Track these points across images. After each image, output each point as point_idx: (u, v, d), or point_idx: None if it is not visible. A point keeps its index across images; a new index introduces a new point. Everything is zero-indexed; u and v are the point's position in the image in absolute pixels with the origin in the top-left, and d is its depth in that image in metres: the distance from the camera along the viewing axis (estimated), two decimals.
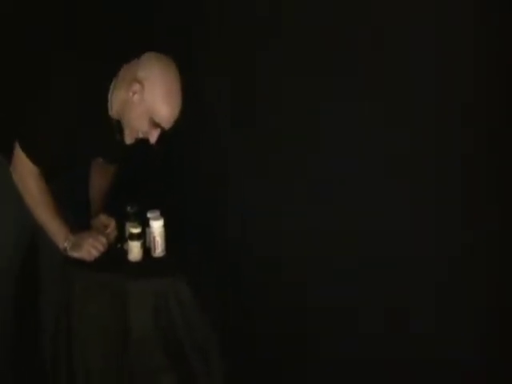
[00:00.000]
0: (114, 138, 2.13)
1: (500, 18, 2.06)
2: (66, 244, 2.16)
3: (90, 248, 2.17)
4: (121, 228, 2.29)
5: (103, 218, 2.30)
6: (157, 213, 2.25)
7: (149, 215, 2.24)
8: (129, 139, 2.11)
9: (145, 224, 2.23)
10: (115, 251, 2.24)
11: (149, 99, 2.01)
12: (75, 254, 2.17)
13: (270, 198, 2.59)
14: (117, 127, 2.11)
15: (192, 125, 2.37)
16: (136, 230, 2.17)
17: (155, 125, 2.05)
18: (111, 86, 2.08)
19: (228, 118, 2.67)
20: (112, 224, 2.29)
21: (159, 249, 2.21)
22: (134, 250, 2.18)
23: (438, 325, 2.30)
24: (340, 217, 2.46)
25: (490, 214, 2.18)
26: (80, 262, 2.18)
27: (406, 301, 2.35)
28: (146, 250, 2.23)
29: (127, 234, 2.21)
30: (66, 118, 2.05)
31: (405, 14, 2.22)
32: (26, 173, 2.12)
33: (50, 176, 2.16)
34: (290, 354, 2.61)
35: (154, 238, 2.21)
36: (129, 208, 2.27)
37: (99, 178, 2.42)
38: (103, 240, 2.21)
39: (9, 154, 2.16)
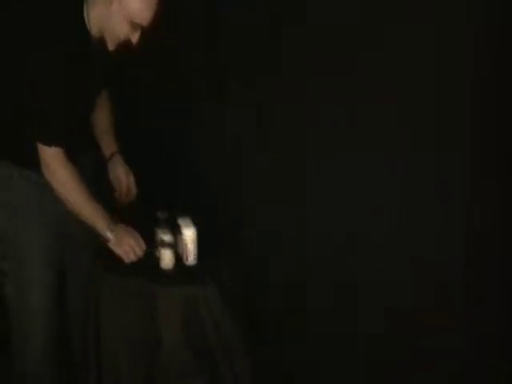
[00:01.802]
0: (100, 54, 2.18)
1: (500, 18, 2.07)
2: (108, 234, 2.17)
3: (130, 250, 2.19)
4: (152, 234, 2.26)
5: (121, 170, 2.35)
6: (188, 220, 2.23)
7: (180, 222, 2.22)
8: (111, 46, 2.17)
9: (176, 231, 2.21)
10: (146, 257, 2.23)
11: (127, 4, 2.09)
12: (114, 250, 2.19)
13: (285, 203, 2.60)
14: (99, 42, 2.16)
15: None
16: (167, 238, 2.15)
17: (136, 26, 2.13)
18: (85, 9, 2.14)
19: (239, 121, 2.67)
20: (129, 179, 2.33)
21: (191, 256, 2.18)
22: (166, 258, 2.16)
23: (438, 324, 2.30)
24: (345, 217, 2.46)
25: (491, 213, 2.18)
26: (110, 267, 2.19)
27: (406, 301, 2.35)
28: (178, 257, 2.21)
29: (158, 241, 2.19)
30: (60, 76, 2.10)
31: (404, 15, 2.22)
32: (55, 164, 2.15)
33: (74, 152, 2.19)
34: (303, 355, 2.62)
35: (185, 245, 2.18)
36: (159, 214, 2.24)
37: (98, 113, 2.43)
38: (143, 246, 2.22)
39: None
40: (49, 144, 2.14)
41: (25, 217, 2.25)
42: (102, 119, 2.44)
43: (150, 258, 2.21)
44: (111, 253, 2.22)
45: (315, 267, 2.55)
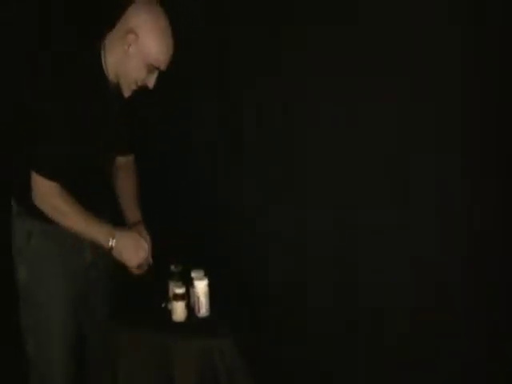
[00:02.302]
0: (115, 100, 2.16)
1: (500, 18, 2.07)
2: (110, 243, 2.14)
3: (133, 255, 2.16)
4: (165, 287, 2.27)
5: (144, 235, 2.26)
6: (201, 272, 2.24)
7: (193, 275, 2.23)
8: (127, 92, 2.15)
9: (188, 283, 2.22)
10: (159, 311, 2.23)
11: (145, 46, 2.06)
12: (119, 258, 2.16)
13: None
14: (115, 87, 2.14)
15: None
16: (180, 291, 2.17)
17: (153, 69, 2.11)
18: (102, 55, 2.12)
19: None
20: (147, 240, 2.26)
21: (203, 309, 2.20)
22: (179, 311, 2.17)
23: (438, 324, 2.30)
24: (345, 217, 2.46)
25: (491, 213, 2.18)
26: (125, 321, 2.19)
27: (406, 301, 2.35)
28: (190, 309, 2.21)
29: (171, 294, 2.20)
30: (68, 111, 2.07)
31: (404, 15, 2.22)
32: (48, 193, 2.10)
33: (74, 189, 2.15)
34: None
35: (198, 298, 2.19)
36: (172, 267, 2.26)
37: (123, 180, 2.38)
38: (145, 246, 2.19)
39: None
40: (40, 172, 2.08)
41: (45, 272, 2.22)
42: (127, 187, 2.37)
43: (164, 313, 2.22)
44: (127, 309, 2.24)
45: (315, 267, 2.55)
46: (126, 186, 2.38)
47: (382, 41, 2.27)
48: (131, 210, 2.33)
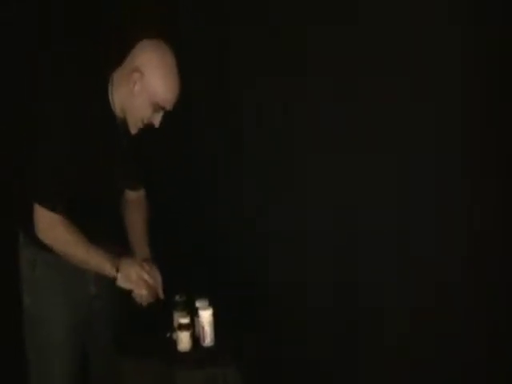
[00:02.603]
0: (122, 136, 2.14)
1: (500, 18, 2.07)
2: (115, 272, 2.11)
3: (138, 281, 2.12)
4: (169, 317, 2.26)
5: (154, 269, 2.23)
6: (205, 302, 2.24)
7: (197, 305, 2.23)
8: (134, 129, 2.13)
9: (193, 313, 2.22)
10: (164, 341, 2.22)
11: (149, 85, 2.05)
12: (125, 286, 2.13)
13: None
14: (122, 123, 2.13)
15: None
16: (185, 321, 2.16)
17: (158, 108, 2.09)
18: (109, 88, 2.11)
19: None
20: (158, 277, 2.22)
21: (208, 338, 2.19)
22: (184, 340, 2.16)
23: (438, 324, 2.30)
24: (345, 217, 2.47)
25: (491, 213, 2.18)
26: (129, 351, 2.18)
27: (406, 301, 2.35)
28: (195, 338, 2.20)
29: (176, 323, 2.20)
30: (72, 143, 2.06)
31: (404, 15, 2.22)
32: (51, 225, 2.08)
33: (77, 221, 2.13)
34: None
35: (203, 327, 2.19)
36: (177, 297, 2.26)
37: (133, 215, 2.36)
38: (151, 272, 2.16)
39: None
40: (40, 202, 2.07)
41: (46, 301, 2.21)
42: (137, 222, 2.35)
43: (169, 343, 2.21)
44: (132, 338, 2.23)
45: (315, 267, 2.56)
46: (135, 221, 2.35)
47: (382, 41, 2.27)
48: (140, 247, 2.31)
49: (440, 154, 2.23)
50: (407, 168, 2.31)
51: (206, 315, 2.19)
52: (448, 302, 2.27)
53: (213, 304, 2.23)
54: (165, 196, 2.80)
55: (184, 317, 2.17)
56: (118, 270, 2.11)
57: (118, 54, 2.13)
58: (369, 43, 2.30)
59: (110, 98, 2.11)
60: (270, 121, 2.60)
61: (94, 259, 2.12)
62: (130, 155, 2.24)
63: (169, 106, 2.09)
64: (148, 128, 2.14)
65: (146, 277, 2.13)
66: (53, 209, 2.07)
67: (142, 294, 2.16)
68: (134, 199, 2.38)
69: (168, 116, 2.13)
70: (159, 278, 2.17)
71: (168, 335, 2.24)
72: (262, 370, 2.30)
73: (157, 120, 2.12)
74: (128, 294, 2.17)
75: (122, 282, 2.12)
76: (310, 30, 2.42)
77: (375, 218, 2.39)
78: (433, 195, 2.27)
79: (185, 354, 2.16)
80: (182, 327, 2.16)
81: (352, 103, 2.38)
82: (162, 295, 2.17)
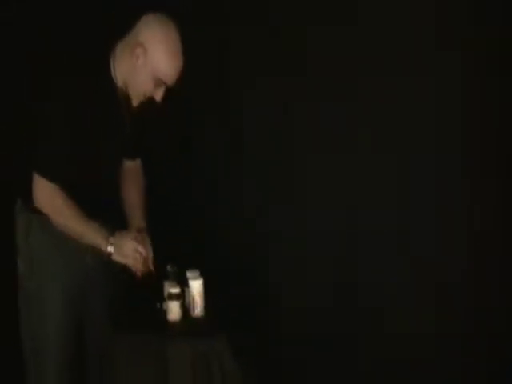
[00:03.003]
0: (124, 108, 2.15)
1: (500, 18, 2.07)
2: (109, 248, 2.13)
3: (133, 255, 2.14)
4: (161, 288, 2.26)
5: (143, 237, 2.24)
6: (196, 272, 2.24)
7: (188, 275, 2.24)
8: (135, 102, 2.15)
9: (183, 284, 2.22)
10: (155, 311, 2.23)
11: (152, 60, 2.05)
12: (119, 259, 2.15)
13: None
14: (124, 96, 2.14)
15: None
16: (175, 290, 2.17)
17: (160, 83, 2.10)
18: (111, 60, 2.12)
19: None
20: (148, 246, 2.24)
21: (198, 309, 2.20)
22: (174, 310, 2.17)
23: (438, 324, 2.30)
24: (345, 217, 2.47)
25: (491, 213, 2.18)
26: (122, 322, 2.18)
27: (406, 301, 2.35)
28: (185, 309, 2.21)
29: (166, 293, 2.20)
30: (71, 113, 2.06)
31: (405, 15, 2.22)
32: (49, 195, 2.11)
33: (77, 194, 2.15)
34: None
35: (193, 297, 2.19)
36: (168, 267, 2.26)
37: (130, 186, 2.37)
38: (146, 243, 2.18)
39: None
40: (43, 173, 2.09)
41: (44, 270, 2.22)
42: (133, 192, 2.36)
43: (159, 313, 2.21)
44: (123, 311, 2.24)
45: (315, 267, 2.55)
46: (131, 192, 2.37)
47: (382, 41, 2.27)
48: (135, 218, 2.32)
49: (440, 153, 2.23)
50: (407, 168, 2.31)
51: (196, 285, 2.19)
52: (448, 301, 2.27)
53: (204, 276, 2.22)
54: (165, 196, 2.80)
55: (174, 286, 2.17)
56: (112, 245, 2.12)
57: (120, 27, 2.13)
58: (369, 43, 2.30)
59: (112, 69, 2.11)
60: (269, 121, 2.60)
61: (89, 233, 2.13)
62: (131, 125, 2.24)
63: (171, 82, 2.10)
64: (150, 102, 2.14)
65: (139, 249, 2.14)
66: (52, 179, 2.09)
67: (136, 267, 2.17)
68: (131, 168, 2.39)
69: (170, 98, 2.13)
70: (150, 249, 2.18)
71: (158, 306, 2.24)
72: (262, 369, 2.30)
73: (158, 95, 2.12)
74: (123, 266, 2.17)
75: (116, 257, 2.14)
76: (310, 30, 2.42)
77: (375, 218, 2.39)
78: (433, 195, 2.27)
79: (174, 323, 2.17)
80: (171, 297, 2.16)
81: (352, 103, 2.38)
82: (151, 266, 2.18)
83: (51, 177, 2.10)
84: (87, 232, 2.14)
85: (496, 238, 2.17)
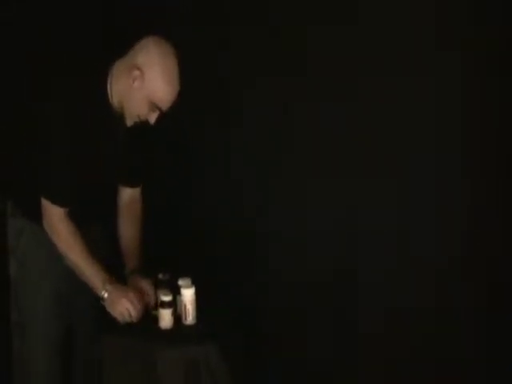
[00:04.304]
0: (118, 126, 2.16)
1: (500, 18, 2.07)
2: (103, 293, 2.15)
3: (124, 311, 2.17)
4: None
5: (143, 283, 2.28)
6: (188, 281, 2.25)
7: (180, 283, 2.25)
8: (129, 122, 2.15)
9: (175, 291, 2.23)
10: (146, 317, 2.23)
11: (148, 84, 2.06)
12: (109, 310, 2.18)
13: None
14: (118, 114, 2.14)
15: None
16: (167, 298, 2.18)
17: (155, 108, 2.10)
18: (109, 80, 2.12)
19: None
20: (150, 290, 2.27)
21: (190, 317, 2.21)
22: (165, 318, 2.18)
23: (438, 324, 2.30)
24: (345, 217, 2.46)
25: (491, 213, 2.18)
26: (111, 327, 2.19)
27: (406, 301, 2.35)
28: (177, 317, 2.22)
29: (158, 301, 2.21)
30: (73, 137, 2.08)
31: (405, 15, 2.22)
32: (55, 220, 2.14)
33: (80, 212, 2.18)
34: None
35: (185, 306, 2.20)
36: (160, 276, 2.29)
37: (126, 225, 2.38)
38: (138, 306, 2.19)
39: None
40: (53, 201, 2.13)
41: (33, 270, 2.26)
42: (130, 230, 2.36)
43: (150, 320, 2.22)
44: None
45: (315, 267, 2.55)
46: (129, 229, 2.37)
47: (382, 41, 2.27)
48: (131, 259, 2.33)
49: (440, 153, 2.23)
50: (407, 168, 2.30)
51: (188, 293, 2.20)
52: (448, 301, 2.27)
53: (197, 284, 2.23)
54: (164, 196, 2.81)
55: (166, 294, 2.18)
56: (106, 291, 2.15)
57: (120, 46, 2.14)
58: (369, 43, 2.29)
59: (109, 88, 2.11)
60: (269, 121, 2.60)
61: (88, 272, 2.16)
62: (129, 149, 2.25)
63: (165, 108, 2.10)
64: (144, 125, 2.15)
65: (131, 311, 2.16)
66: (62, 206, 2.13)
67: (122, 320, 2.19)
68: (129, 201, 2.37)
69: (166, 116, 2.14)
70: (141, 305, 2.20)
71: (153, 313, 2.24)
72: (261, 369, 2.30)
73: (152, 118, 2.12)
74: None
75: (107, 306, 2.17)
76: (310, 30, 2.42)
77: (375, 218, 2.39)
78: (433, 195, 2.26)
79: (166, 331, 2.18)
80: (163, 304, 2.17)
81: (352, 103, 2.38)
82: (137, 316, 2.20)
83: (61, 204, 2.13)
84: (87, 270, 2.16)
85: (496, 237, 2.17)
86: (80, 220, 2.18)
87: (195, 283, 2.24)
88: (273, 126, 2.60)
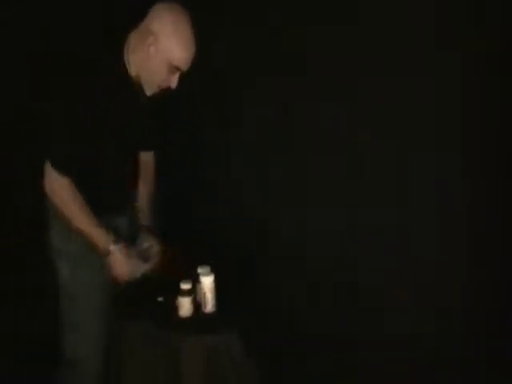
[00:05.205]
0: (137, 98, 2.17)
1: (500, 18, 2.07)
2: (111, 247, 2.17)
3: (123, 271, 2.20)
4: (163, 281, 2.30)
5: (148, 245, 2.31)
6: (207, 268, 2.24)
7: (199, 271, 2.23)
8: (149, 91, 2.16)
9: (195, 279, 2.22)
10: (164, 306, 2.23)
11: (165, 47, 2.07)
12: (110, 269, 2.20)
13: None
14: (137, 86, 2.15)
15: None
16: (186, 286, 2.17)
17: (174, 70, 2.11)
18: (125, 50, 2.13)
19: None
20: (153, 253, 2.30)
21: (209, 304, 2.20)
22: (185, 306, 2.18)
23: (438, 324, 2.30)
24: (345, 217, 2.47)
25: (491, 213, 2.18)
26: (132, 315, 2.20)
27: (406, 301, 2.35)
28: (197, 305, 2.22)
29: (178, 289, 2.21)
30: (86, 106, 2.08)
31: (405, 15, 2.22)
32: (58, 186, 2.15)
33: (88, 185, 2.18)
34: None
35: (204, 293, 2.19)
36: (159, 299, 2.27)
37: (143, 179, 2.43)
38: (137, 275, 2.23)
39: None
40: (61, 171, 2.12)
41: (85, 278, 2.26)
42: (145, 186, 2.43)
43: (168, 307, 2.21)
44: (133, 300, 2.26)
45: (315, 267, 2.56)
46: (143, 186, 2.43)
47: (382, 41, 2.27)
48: (144, 213, 2.38)
49: (440, 153, 2.23)
50: (407, 168, 2.30)
51: (207, 281, 2.19)
52: (448, 302, 2.27)
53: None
54: (164, 196, 2.80)
55: (185, 282, 2.18)
56: (116, 246, 2.18)
57: (134, 17, 2.14)
58: (369, 43, 2.29)
59: (126, 59, 2.13)
60: (269, 121, 2.60)
61: (93, 233, 2.17)
62: (145, 116, 2.28)
63: (185, 67, 2.12)
64: (164, 92, 2.15)
65: (129, 275, 2.20)
66: (66, 174, 2.13)
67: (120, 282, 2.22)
68: (145, 161, 2.43)
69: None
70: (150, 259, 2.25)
71: (159, 299, 2.25)
72: (261, 369, 2.30)
73: (173, 81, 2.14)
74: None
75: (109, 265, 2.19)
76: (310, 30, 2.42)
77: (375, 218, 2.39)
78: (433, 195, 2.27)
79: (186, 319, 2.17)
80: (183, 292, 2.17)
81: (352, 103, 2.38)
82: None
83: (64, 170, 2.13)
84: (90, 231, 2.18)
85: (496, 237, 2.17)
86: (102, 204, 2.19)
87: (215, 271, 2.22)
88: (273, 126, 2.60)
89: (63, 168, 2.13)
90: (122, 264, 2.20)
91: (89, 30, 2.64)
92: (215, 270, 2.23)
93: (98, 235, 2.18)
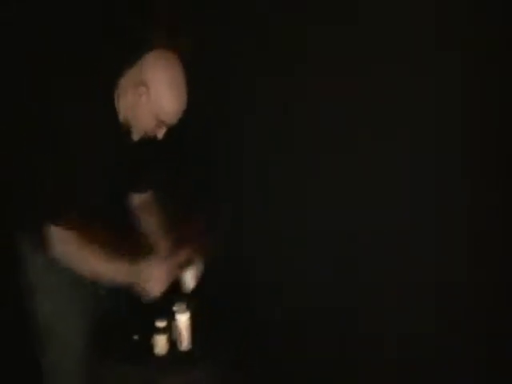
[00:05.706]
0: (127, 142, 2.14)
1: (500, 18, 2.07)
2: (131, 278, 2.11)
3: (159, 285, 2.14)
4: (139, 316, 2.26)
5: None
6: (183, 305, 2.19)
7: (175, 308, 2.19)
8: (136, 137, 2.13)
9: (170, 317, 2.17)
10: (139, 344, 2.18)
11: (155, 101, 2.04)
12: (144, 287, 2.13)
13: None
14: (125, 128, 2.13)
15: None
16: (162, 324, 2.12)
17: (161, 123, 2.09)
18: (115, 95, 2.10)
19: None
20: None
21: (185, 342, 2.15)
22: (160, 344, 2.12)
23: (438, 324, 2.30)
24: (345, 217, 2.47)
25: (491, 213, 2.18)
26: (106, 354, 2.16)
27: (406, 301, 2.35)
28: (172, 342, 2.16)
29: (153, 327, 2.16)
30: (78, 150, 2.05)
31: (405, 15, 2.22)
32: (61, 241, 2.07)
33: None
34: None
35: (180, 331, 2.15)
36: (135, 337, 2.22)
37: (143, 217, 2.37)
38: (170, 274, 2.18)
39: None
40: (61, 224, 2.05)
41: (66, 310, 2.22)
42: (150, 221, 2.37)
43: (144, 346, 2.15)
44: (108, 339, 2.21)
45: (315, 267, 2.55)
46: (146, 221, 2.36)
47: (382, 41, 2.27)
48: (159, 243, 2.31)
49: (440, 153, 2.23)
50: (407, 168, 2.30)
51: (183, 319, 2.14)
52: (448, 301, 2.27)
53: (210, 305, 2.21)
54: (164, 196, 2.80)
55: (160, 320, 2.12)
56: (140, 277, 2.11)
57: (126, 55, 2.13)
58: (369, 43, 2.29)
59: (116, 102, 2.10)
60: (270, 121, 2.60)
61: (109, 272, 2.10)
62: (136, 158, 2.23)
63: (172, 122, 2.10)
64: (151, 139, 2.14)
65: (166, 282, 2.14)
66: (66, 225, 2.05)
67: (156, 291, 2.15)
68: (140, 203, 2.37)
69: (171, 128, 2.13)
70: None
71: (135, 337, 2.20)
72: (261, 369, 2.30)
73: (160, 133, 2.12)
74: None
75: (142, 284, 2.12)
76: (310, 30, 2.42)
77: (375, 218, 2.39)
78: (433, 195, 2.27)
79: (161, 357, 2.12)
80: (158, 330, 2.12)
81: (352, 103, 2.38)
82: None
83: (64, 224, 2.05)
84: (108, 275, 2.11)
85: (496, 237, 2.17)
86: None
87: (190, 305, 2.18)
88: (273, 126, 2.60)
89: (65, 221, 2.04)
90: (158, 278, 2.14)
91: (89, 30, 2.64)
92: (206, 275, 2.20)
93: (118, 269, 2.11)
